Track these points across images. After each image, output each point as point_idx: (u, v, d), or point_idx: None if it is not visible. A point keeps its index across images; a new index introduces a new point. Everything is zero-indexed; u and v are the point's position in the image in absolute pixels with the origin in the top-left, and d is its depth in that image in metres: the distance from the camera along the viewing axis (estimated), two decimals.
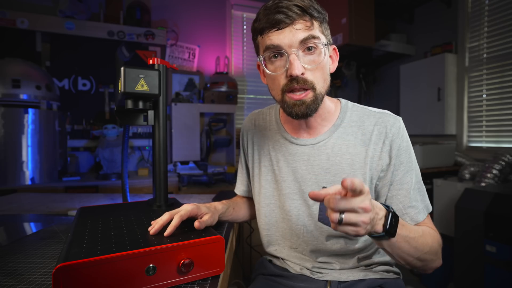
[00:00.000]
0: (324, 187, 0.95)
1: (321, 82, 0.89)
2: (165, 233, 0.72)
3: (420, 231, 0.84)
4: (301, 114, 0.89)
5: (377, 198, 0.97)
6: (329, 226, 0.94)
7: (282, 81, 0.88)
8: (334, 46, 0.98)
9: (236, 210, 1.15)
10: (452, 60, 3.20)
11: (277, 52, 0.87)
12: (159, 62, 0.90)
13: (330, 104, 1.01)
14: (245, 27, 3.87)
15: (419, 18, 3.75)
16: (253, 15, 3.87)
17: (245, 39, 3.87)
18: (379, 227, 0.71)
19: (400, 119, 0.97)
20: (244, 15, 3.86)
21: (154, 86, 0.84)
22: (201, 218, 0.85)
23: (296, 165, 1.01)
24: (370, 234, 0.72)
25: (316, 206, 0.97)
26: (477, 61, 3.08)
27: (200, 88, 3.50)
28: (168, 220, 0.77)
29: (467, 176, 2.68)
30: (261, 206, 1.09)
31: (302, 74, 0.85)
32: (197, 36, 3.58)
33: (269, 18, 0.85)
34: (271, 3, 0.86)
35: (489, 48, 2.98)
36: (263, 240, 1.13)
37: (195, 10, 3.57)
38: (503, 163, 2.42)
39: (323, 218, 0.97)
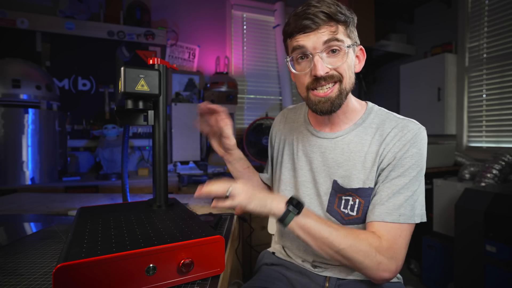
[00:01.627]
0: (335, 180, 1.00)
1: (347, 78, 0.94)
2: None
3: (336, 227, 0.86)
4: (325, 111, 0.95)
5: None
6: (336, 219, 0.99)
7: (307, 79, 0.94)
8: (361, 47, 1.01)
9: (251, 169, 1.26)
10: (452, 60, 3.20)
11: (303, 53, 0.93)
12: (159, 62, 0.89)
13: (356, 104, 1.05)
14: (245, 27, 3.87)
15: (419, 18, 3.75)
16: (253, 15, 3.88)
17: (245, 39, 3.87)
18: (279, 207, 0.84)
19: (423, 129, 0.95)
20: (244, 15, 3.85)
21: (154, 86, 0.84)
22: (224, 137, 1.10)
23: (313, 156, 1.06)
24: (280, 218, 0.84)
25: (326, 197, 1.01)
26: (477, 61, 3.08)
27: (200, 88, 3.50)
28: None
29: (467, 176, 2.68)
30: (280, 190, 1.15)
31: (327, 73, 0.91)
32: (197, 36, 3.57)
33: (298, 24, 0.91)
34: (300, 9, 0.91)
35: (489, 48, 2.98)
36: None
37: (195, 10, 3.57)
38: (503, 163, 2.42)
39: (331, 210, 1.00)
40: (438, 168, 2.96)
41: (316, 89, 0.93)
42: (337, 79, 0.92)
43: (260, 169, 1.34)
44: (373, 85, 4.34)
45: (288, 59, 0.98)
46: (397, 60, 3.95)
